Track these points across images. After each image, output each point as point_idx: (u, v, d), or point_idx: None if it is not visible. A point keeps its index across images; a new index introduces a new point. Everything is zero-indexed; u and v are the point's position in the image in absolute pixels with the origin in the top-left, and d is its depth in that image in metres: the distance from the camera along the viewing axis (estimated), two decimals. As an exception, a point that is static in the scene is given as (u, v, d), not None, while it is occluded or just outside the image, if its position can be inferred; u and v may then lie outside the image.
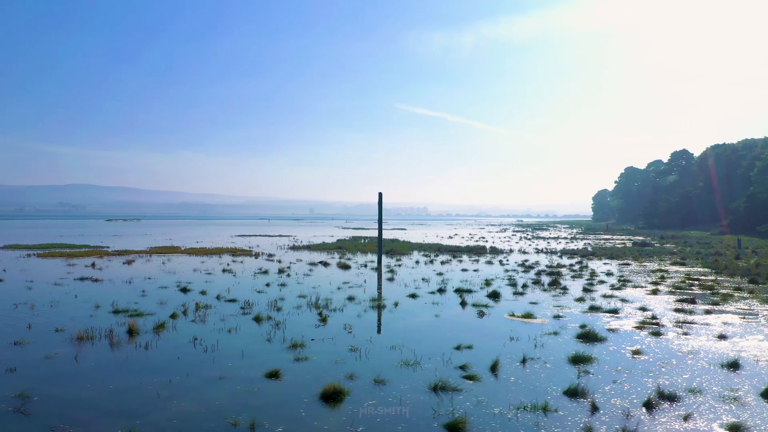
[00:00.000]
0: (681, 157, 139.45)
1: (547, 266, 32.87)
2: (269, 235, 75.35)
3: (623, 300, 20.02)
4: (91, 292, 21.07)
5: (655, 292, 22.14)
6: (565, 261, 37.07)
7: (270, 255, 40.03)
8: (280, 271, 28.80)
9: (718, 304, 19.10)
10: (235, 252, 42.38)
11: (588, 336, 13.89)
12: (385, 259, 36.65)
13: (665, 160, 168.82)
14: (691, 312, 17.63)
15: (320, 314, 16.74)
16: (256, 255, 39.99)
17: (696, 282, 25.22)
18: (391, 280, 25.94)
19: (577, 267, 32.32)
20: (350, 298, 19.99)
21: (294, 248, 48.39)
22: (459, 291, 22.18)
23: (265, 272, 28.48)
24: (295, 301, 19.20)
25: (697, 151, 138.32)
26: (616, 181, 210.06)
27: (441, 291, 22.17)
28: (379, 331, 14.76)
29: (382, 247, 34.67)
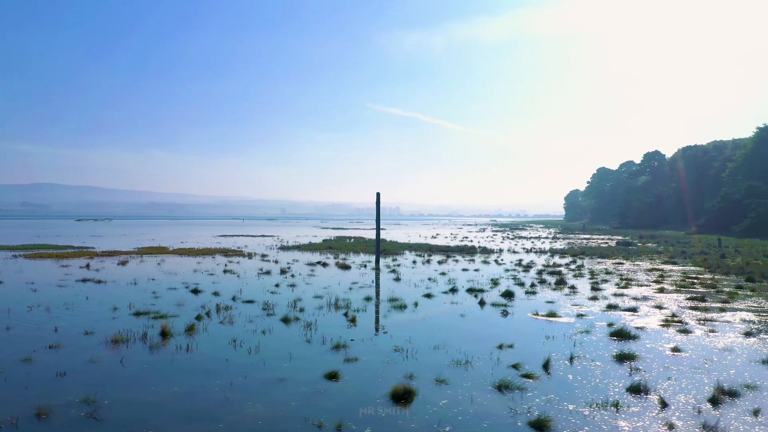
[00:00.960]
0: (653, 158, 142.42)
1: (544, 266, 33.28)
2: (252, 236, 74.67)
3: (635, 298, 20.39)
4: (99, 293, 20.64)
5: (661, 290, 22.60)
6: (559, 261, 37.56)
7: (263, 255, 39.70)
8: (283, 272, 28.61)
9: (729, 302, 19.59)
10: (226, 252, 41.91)
11: (621, 334, 14.14)
12: (380, 259, 36.64)
13: (637, 161, 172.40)
14: (706, 310, 18.06)
15: (346, 315, 16.73)
16: (249, 255, 39.62)
17: (695, 281, 25.80)
18: (397, 280, 25.97)
19: (573, 266, 32.79)
20: (367, 299, 19.96)
21: (283, 248, 48.06)
22: (471, 291, 22.33)
23: (268, 273, 28.25)
24: (313, 302, 19.10)
25: (668, 153, 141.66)
26: (588, 182, 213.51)
27: (453, 291, 22.28)
28: (411, 332, 14.75)
29: (379, 246, 34.66)
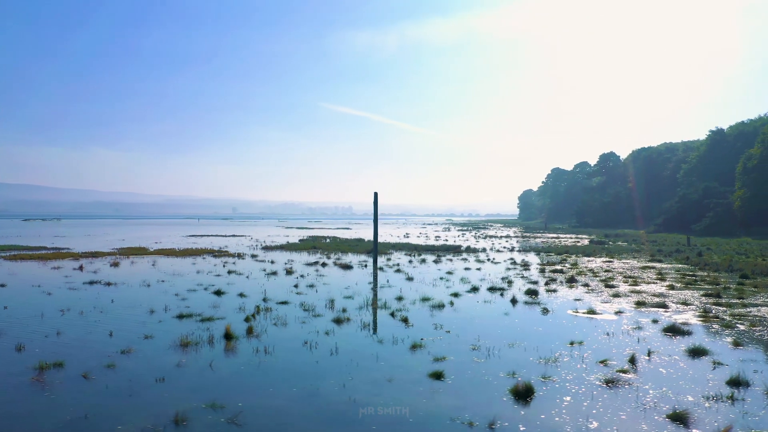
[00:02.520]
0: (608, 159, 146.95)
1: (540, 264, 34.00)
2: (223, 235, 73.37)
3: (654, 295, 21.10)
4: (120, 296, 20.00)
5: (671, 287, 23.41)
6: (552, 259, 38.38)
7: (254, 255, 39.17)
8: (288, 272, 28.32)
9: (744, 298, 20.49)
10: (214, 253, 41.10)
11: (674, 330, 14.65)
12: (365, 260, 36.69)
13: (591, 162, 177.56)
14: (729, 305, 18.83)
15: (393, 315, 16.77)
16: (239, 256, 38.99)
17: (695, 277, 26.82)
18: (410, 279, 26.07)
19: (568, 265, 33.59)
20: (399, 298, 20.00)
21: (267, 248, 47.46)
22: (493, 290, 22.63)
23: (274, 273, 27.92)
24: (348, 303, 19.02)
25: (621, 154, 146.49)
26: (543, 182, 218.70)
27: (475, 289, 22.54)
28: (471, 330, 14.88)
29: (377, 247, 34.67)
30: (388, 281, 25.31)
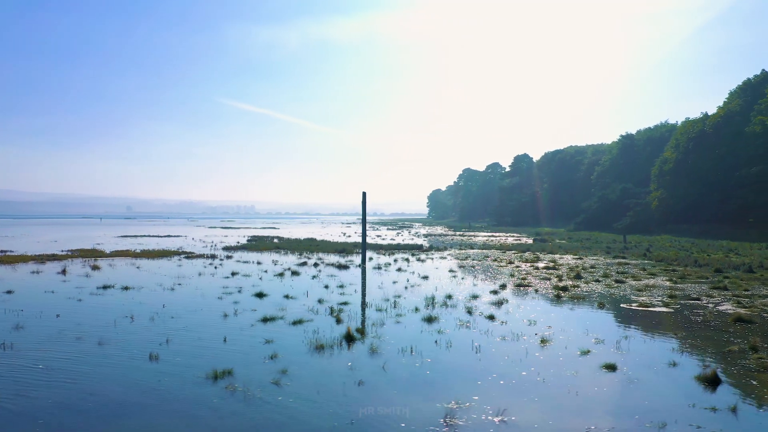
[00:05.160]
0: (522, 160, 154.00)
1: (526, 262, 35.42)
2: (157, 236, 69.90)
3: (671, 288, 22.76)
4: (161, 301, 18.92)
5: (675, 281, 25.30)
6: (525, 257, 39.95)
7: (228, 256, 37.91)
8: (294, 273, 27.80)
9: (748, 290, 22.57)
10: (187, 255, 39.29)
11: (742, 320, 16.05)
12: (354, 259, 36.66)
13: (502, 163, 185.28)
14: (749, 296, 20.74)
15: (470, 312, 17.10)
16: (213, 256, 37.56)
17: (685, 273, 29.08)
18: (425, 278, 26.40)
19: (551, 263, 35.17)
20: (449, 296, 20.32)
21: (227, 249, 45.97)
22: (519, 286, 23.47)
23: (281, 275, 27.26)
24: (408, 303, 19.11)
25: (536, 156, 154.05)
26: (455, 182, 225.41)
27: (503, 287, 23.25)
28: (557, 324, 15.52)
29: (365, 247, 34.70)
30: (407, 281, 25.46)
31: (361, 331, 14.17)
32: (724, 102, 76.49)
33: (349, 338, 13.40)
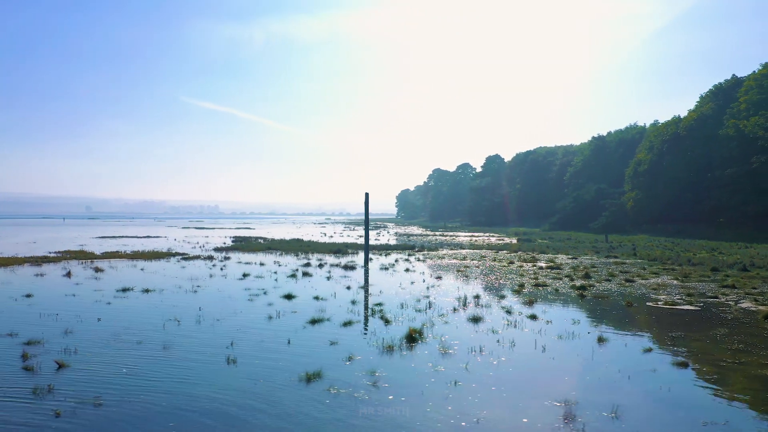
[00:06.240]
0: (494, 161, 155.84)
1: (525, 262, 35.98)
2: (137, 237, 68.52)
3: (685, 287, 23.50)
4: (184, 303, 18.73)
5: (682, 280, 26.10)
6: (522, 257, 40.56)
7: (226, 258, 37.49)
8: (305, 275, 27.72)
9: (756, 288, 23.45)
10: (183, 256, 38.68)
11: (771, 317, 16.73)
12: (355, 259, 36.71)
13: (473, 164, 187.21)
14: (764, 294, 21.57)
15: (506, 311, 17.39)
16: (210, 258, 37.08)
17: (684, 272, 30.00)
18: (439, 278, 26.65)
19: (551, 263, 35.81)
20: (476, 297, 20.58)
21: (219, 250, 45.45)
22: (537, 286, 23.90)
23: (293, 276, 27.15)
24: (446, 304, 19.31)
25: (506, 156, 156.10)
26: (425, 182, 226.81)
27: (522, 287, 23.63)
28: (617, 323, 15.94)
29: (368, 247, 34.76)
30: (425, 281, 25.65)
31: (419, 331, 14.28)
32: (696, 105, 78.96)
33: (411, 339, 13.52)
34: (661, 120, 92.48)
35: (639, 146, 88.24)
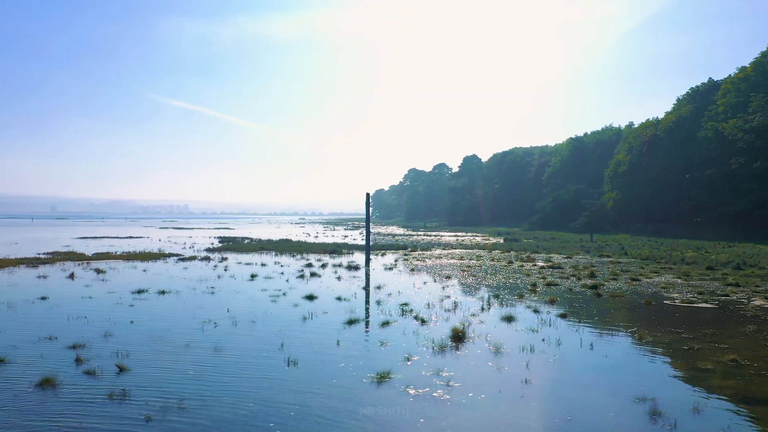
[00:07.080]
0: (471, 161, 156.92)
1: (524, 261, 36.41)
2: (119, 237, 67.26)
3: (691, 286, 24.07)
4: (208, 304, 18.62)
5: (684, 278, 26.73)
6: (519, 256, 41.00)
7: (224, 258, 37.10)
8: (313, 275, 27.63)
9: (760, 285, 24.16)
10: (179, 257, 38.14)
11: (791, 313, 17.28)
12: (354, 259, 36.69)
13: (449, 164, 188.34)
14: None
15: (533, 311, 17.62)
16: (207, 258, 36.67)
17: (684, 271, 30.70)
18: (448, 278, 26.82)
19: (549, 263, 36.32)
20: (485, 299, 20.79)
21: (210, 250, 44.94)
22: (548, 285, 24.22)
23: (302, 276, 27.05)
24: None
25: (483, 157, 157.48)
26: (400, 181, 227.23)
27: (534, 286, 23.94)
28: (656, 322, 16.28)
29: (369, 248, 34.76)
30: (435, 281, 25.79)
31: (462, 331, 14.37)
32: (673, 107, 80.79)
33: (456, 338, 13.62)
34: (637, 122, 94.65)
35: (617, 147, 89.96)
